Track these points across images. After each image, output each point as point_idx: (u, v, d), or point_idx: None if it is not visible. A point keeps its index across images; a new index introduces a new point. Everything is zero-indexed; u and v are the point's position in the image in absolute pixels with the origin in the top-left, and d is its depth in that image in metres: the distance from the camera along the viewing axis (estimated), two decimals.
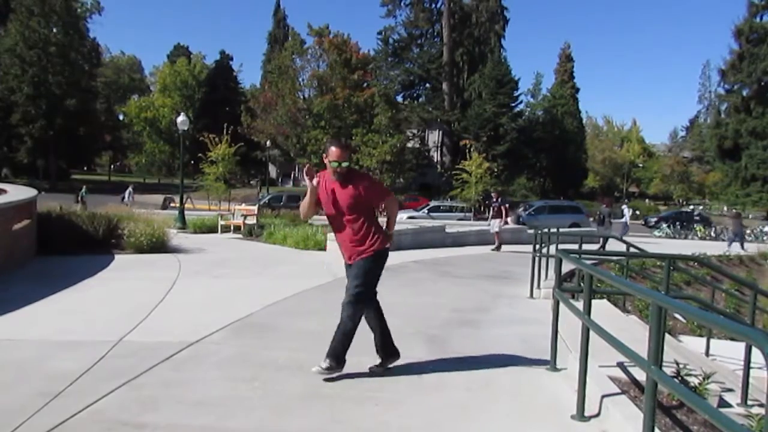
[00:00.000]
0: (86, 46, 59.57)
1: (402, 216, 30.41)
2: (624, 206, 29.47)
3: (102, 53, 73.26)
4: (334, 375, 4.54)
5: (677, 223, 35.56)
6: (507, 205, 17.35)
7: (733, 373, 6.27)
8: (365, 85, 47.29)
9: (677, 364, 4.35)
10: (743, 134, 52.16)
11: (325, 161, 4.55)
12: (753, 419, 3.87)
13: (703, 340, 8.69)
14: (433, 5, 60.61)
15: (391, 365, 4.82)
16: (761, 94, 51.26)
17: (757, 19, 52.00)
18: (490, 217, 17.14)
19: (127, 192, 30.08)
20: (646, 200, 61.27)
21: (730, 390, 5.26)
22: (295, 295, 8.02)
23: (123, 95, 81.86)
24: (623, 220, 26.95)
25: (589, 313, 3.99)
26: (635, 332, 6.31)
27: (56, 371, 4.49)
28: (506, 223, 16.91)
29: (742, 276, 14.59)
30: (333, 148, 4.49)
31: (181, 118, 20.16)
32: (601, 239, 17.75)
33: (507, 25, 61.76)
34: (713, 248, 21.30)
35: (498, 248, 16.44)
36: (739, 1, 60.27)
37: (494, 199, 17.41)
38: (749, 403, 5.04)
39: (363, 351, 5.08)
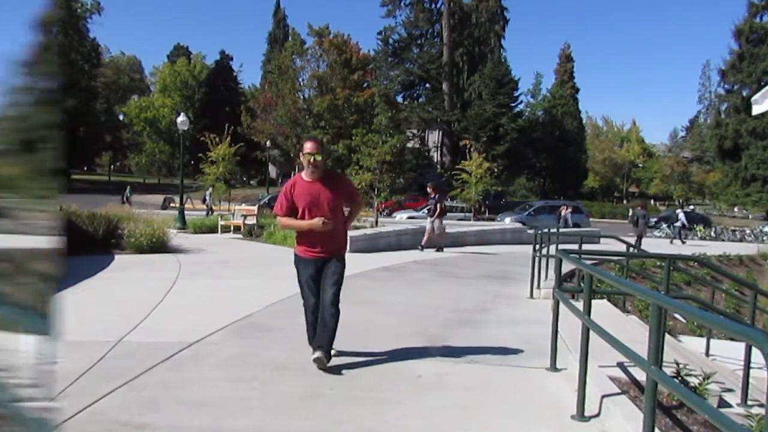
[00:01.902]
0: (86, 46, 59.60)
1: (402, 216, 30.43)
2: (680, 210, 29.47)
3: (102, 53, 73.24)
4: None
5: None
6: (444, 203, 15.87)
7: (733, 373, 6.27)
8: (365, 85, 47.24)
9: (677, 364, 4.35)
10: (743, 134, 52.16)
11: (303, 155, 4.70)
12: (753, 419, 3.87)
13: (703, 340, 8.69)
14: (433, 5, 60.60)
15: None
16: None
17: (757, 20, 52.03)
18: (429, 214, 15.47)
19: (207, 193, 29.58)
20: (651, 200, 61.21)
21: (730, 390, 5.26)
22: (294, 295, 7.93)
23: (123, 95, 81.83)
24: (678, 223, 26.78)
25: (589, 313, 3.99)
26: (635, 332, 6.31)
27: (56, 371, 4.49)
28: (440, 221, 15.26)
29: (742, 276, 14.58)
30: (309, 143, 4.72)
31: (181, 118, 20.17)
32: (636, 239, 17.97)
33: (507, 25, 61.71)
34: (713, 248, 21.30)
35: (435, 248, 14.95)
36: (739, 1, 60.27)
37: (431, 195, 15.73)
38: (749, 403, 5.03)
39: (361, 350, 5.09)
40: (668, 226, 33.68)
